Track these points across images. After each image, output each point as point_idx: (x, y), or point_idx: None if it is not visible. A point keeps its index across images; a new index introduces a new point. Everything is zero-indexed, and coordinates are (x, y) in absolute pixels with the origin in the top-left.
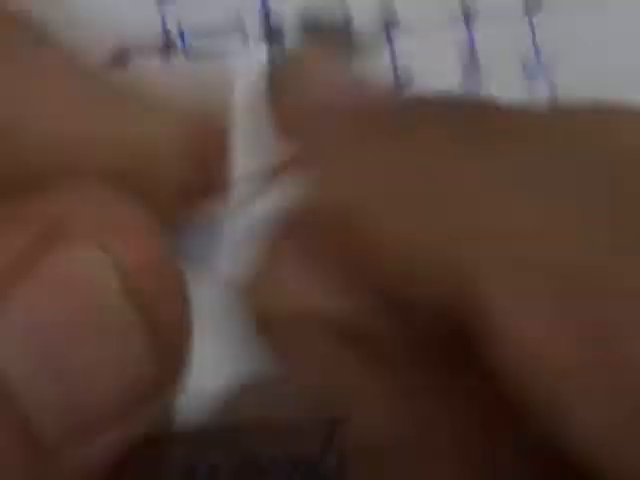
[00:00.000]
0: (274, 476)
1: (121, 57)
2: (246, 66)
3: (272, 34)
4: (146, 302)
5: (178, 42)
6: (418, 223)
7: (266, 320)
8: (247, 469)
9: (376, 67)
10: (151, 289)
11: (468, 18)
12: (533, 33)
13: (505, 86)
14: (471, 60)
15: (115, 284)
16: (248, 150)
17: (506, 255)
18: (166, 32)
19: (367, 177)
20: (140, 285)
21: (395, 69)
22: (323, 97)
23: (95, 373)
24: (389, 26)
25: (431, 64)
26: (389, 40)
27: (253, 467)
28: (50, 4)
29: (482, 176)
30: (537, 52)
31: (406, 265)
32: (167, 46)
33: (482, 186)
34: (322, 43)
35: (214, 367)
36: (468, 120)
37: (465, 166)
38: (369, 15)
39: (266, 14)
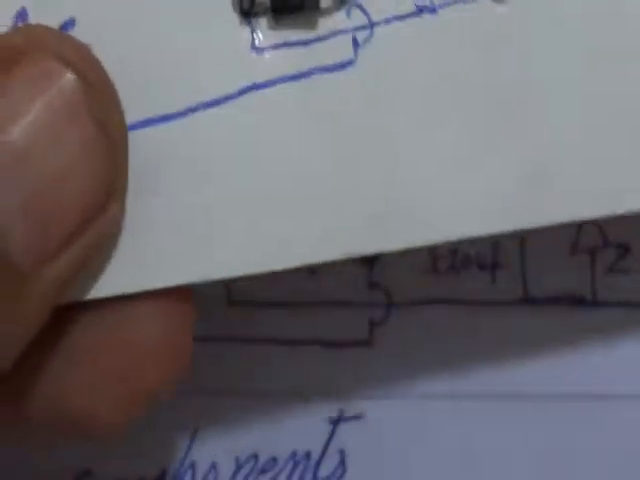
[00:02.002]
0: (274, 475)
1: None
2: None
3: None
4: (102, 112)
5: None
6: None
7: None
8: (248, 467)
9: None
10: (105, 100)
11: None
12: None
13: None
14: None
15: (82, 97)
16: None
17: None
18: None
19: None
20: (99, 97)
21: None
22: None
23: (58, 179)
24: None
25: None
26: None
27: (254, 465)
28: None
29: None
30: None
31: None
32: None
33: None
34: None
35: None
36: None
37: None
38: None
39: None
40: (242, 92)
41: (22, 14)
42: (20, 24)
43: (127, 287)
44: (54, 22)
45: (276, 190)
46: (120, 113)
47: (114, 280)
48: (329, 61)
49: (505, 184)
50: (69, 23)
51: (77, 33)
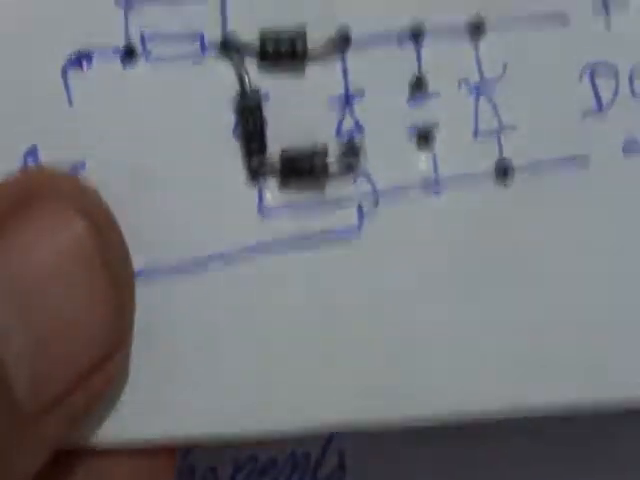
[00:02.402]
0: (274, 476)
1: (81, 60)
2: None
3: (229, 48)
4: (111, 259)
5: (139, 46)
6: None
7: None
8: (247, 469)
9: (327, 81)
10: (114, 247)
11: (417, 37)
12: (477, 54)
13: (450, 103)
14: (418, 78)
15: (92, 244)
16: None
17: None
18: (128, 36)
19: None
20: (108, 243)
21: (346, 84)
22: None
23: (66, 327)
24: (342, 43)
25: (381, 80)
26: (341, 55)
27: (253, 467)
28: None
29: None
30: (481, 71)
31: None
32: (128, 50)
33: None
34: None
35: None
36: None
37: None
38: (322, 30)
39: (224, 28)
40: (246, 251)
41: (33, 152)
42: (30, 162)
43: (125, 436)
44: (64, 162)
45: (272, 352)
46: (129, 260)
47: (112, 429)
48: (334, 226)
49: (501, 362)
50: (79, 166)
51: (86, 175)
